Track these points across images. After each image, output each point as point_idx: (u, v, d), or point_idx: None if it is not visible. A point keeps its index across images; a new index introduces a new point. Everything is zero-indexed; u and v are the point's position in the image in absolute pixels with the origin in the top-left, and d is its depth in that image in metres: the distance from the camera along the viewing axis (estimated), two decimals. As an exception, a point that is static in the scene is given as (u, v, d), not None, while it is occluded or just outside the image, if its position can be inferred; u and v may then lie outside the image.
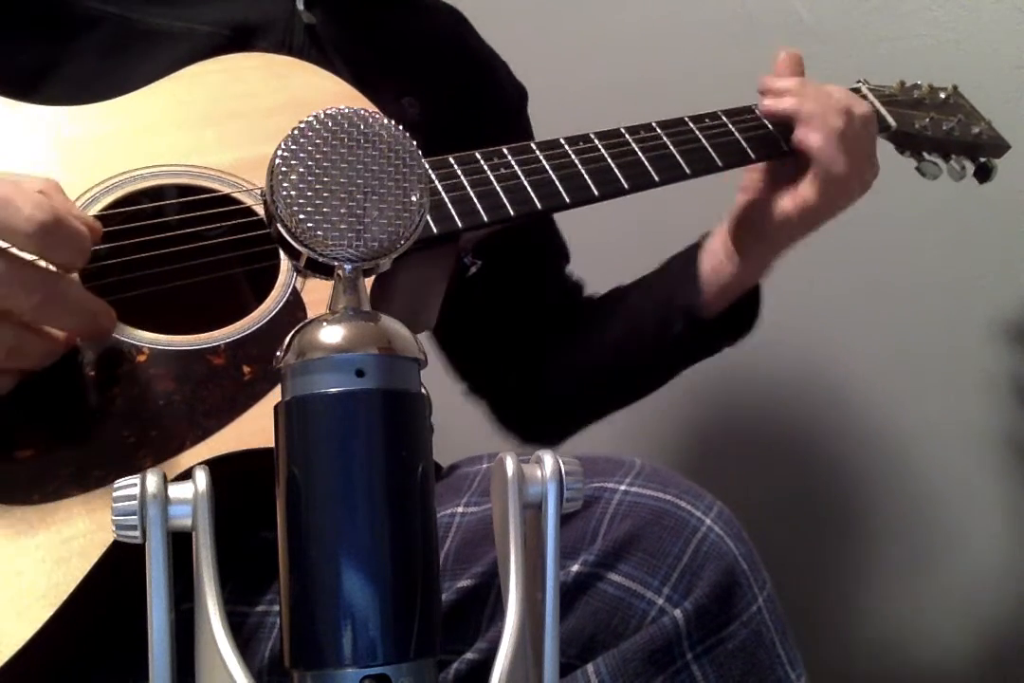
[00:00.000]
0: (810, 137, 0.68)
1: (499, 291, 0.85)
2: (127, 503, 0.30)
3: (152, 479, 0.30)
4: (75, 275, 0.52)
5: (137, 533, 0.30)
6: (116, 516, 0.30)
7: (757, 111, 0.73)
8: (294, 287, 0.58)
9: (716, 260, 0.76)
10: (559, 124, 0.71)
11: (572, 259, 0.92)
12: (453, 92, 0.81)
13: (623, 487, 0.57)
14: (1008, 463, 1.02)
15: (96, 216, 0.56)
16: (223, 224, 0.59)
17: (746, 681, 0.53)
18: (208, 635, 0.29)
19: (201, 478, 0.31)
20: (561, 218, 0.89)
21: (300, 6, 0.72)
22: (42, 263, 0.48)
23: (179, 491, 0.31)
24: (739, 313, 0.78)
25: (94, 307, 0.50)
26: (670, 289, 0.79)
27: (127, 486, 0.30)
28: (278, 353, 0.30)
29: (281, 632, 0.47)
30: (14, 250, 0.46)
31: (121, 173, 0.58)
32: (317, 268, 0.32)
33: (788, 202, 0.70)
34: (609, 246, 1.07)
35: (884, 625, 1.08)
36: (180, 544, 0.31)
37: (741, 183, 0.76)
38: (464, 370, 0.92)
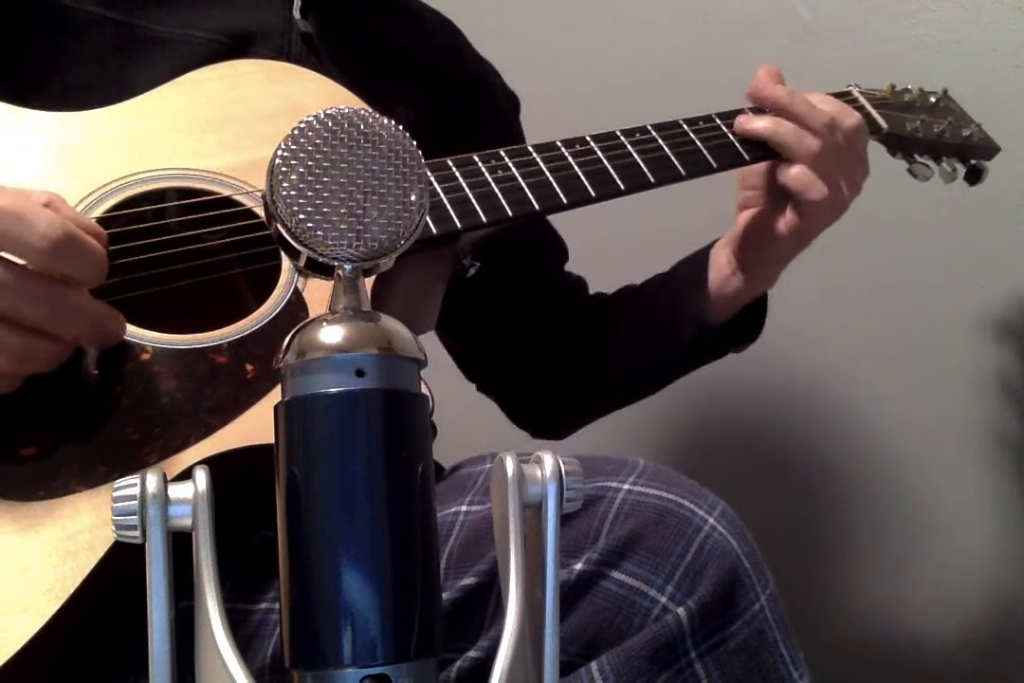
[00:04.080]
0: (784, 174, 0.70)
1: (498, 292, 0.85)
2: (127, 503, 0.30)
3: (152, 479, 0.30)
4: None
5: (137, 533, 0.30)
6: (116, 516, 0.30)
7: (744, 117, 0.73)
8: (296, 287, 0.58)
9: (722, 275, 0.77)
10: (559, 125, 0.71)
11: (576, 260, 0.92)
12: (446, 102, 0.81)
13: (626, 486, 0.57)
14: (1000, 462, 1.02)
15: (98, 219, 0.56)
16: (225, 226, 0.59)
17: (749, 680, 0.53)
18: (208, 635, 0.29)
19: (201, 478, 0.31)
20: (564, 220, 0.89)
21: (296, 14, 0.72)
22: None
23: (179, 491, 0.31)
24: (745, 320, 0.78)
25: (103, 314, 0.51)
26: (680, 294, 0.79)
27: (127, 486, 0.30)
28: (278, 353, 0.30)
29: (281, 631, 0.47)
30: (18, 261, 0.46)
31: (123, 177, 0.59)
32: (317, 268, 0.32)
33: (780, 223, 0.71)
34: (612, 246, 1.07)
35: (883, 624, 1.08)
36: (180, 544, 0.31)
37: (738, 202, 0.77)
38: (471, 370, 0.93)
